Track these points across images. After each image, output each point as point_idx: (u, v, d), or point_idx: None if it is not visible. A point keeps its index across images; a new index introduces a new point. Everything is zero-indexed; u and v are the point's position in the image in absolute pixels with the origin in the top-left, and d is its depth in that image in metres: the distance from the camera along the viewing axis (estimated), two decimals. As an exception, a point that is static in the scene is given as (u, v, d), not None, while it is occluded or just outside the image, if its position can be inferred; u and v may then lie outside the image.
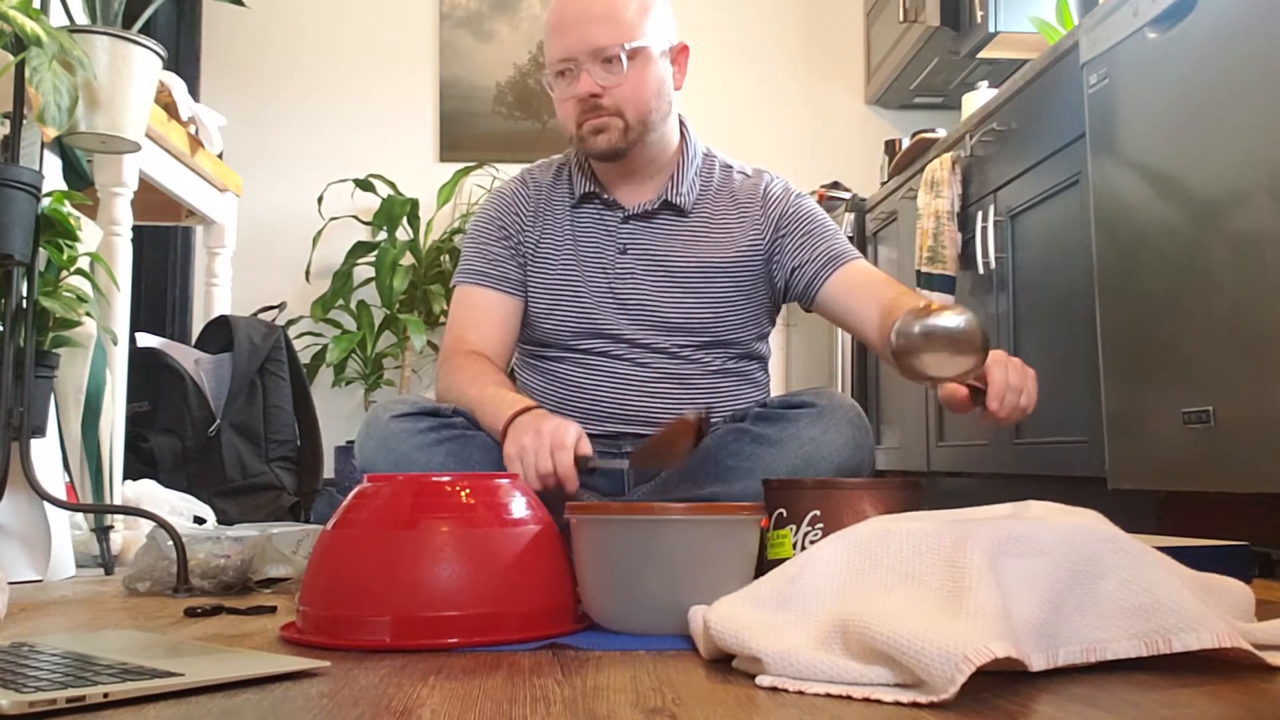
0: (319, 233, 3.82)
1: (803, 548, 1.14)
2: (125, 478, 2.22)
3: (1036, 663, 0.84)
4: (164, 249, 3.79)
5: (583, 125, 1.53)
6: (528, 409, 1.38)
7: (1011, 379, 1.21)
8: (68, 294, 1.87)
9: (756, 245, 1.61)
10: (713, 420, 1.41)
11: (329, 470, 3.35)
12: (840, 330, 3.38)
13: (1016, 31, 3.05)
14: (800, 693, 0.81)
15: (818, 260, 1.58)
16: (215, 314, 3.11)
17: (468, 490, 1.13)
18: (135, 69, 1.97)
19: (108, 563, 1.95)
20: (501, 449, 1.37)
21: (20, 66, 1.75)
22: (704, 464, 1.51)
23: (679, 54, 1.59)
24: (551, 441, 1.30)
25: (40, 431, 1.83)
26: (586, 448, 1.33)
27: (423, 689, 0.86)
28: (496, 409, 1.42)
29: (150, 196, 2.60)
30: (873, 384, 3.39)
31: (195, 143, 2.71)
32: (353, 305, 3.81)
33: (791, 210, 1.62)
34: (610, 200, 1.61)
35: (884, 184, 3.44)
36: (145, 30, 2.02)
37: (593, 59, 1.50)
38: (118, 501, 2.08)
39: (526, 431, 1.33)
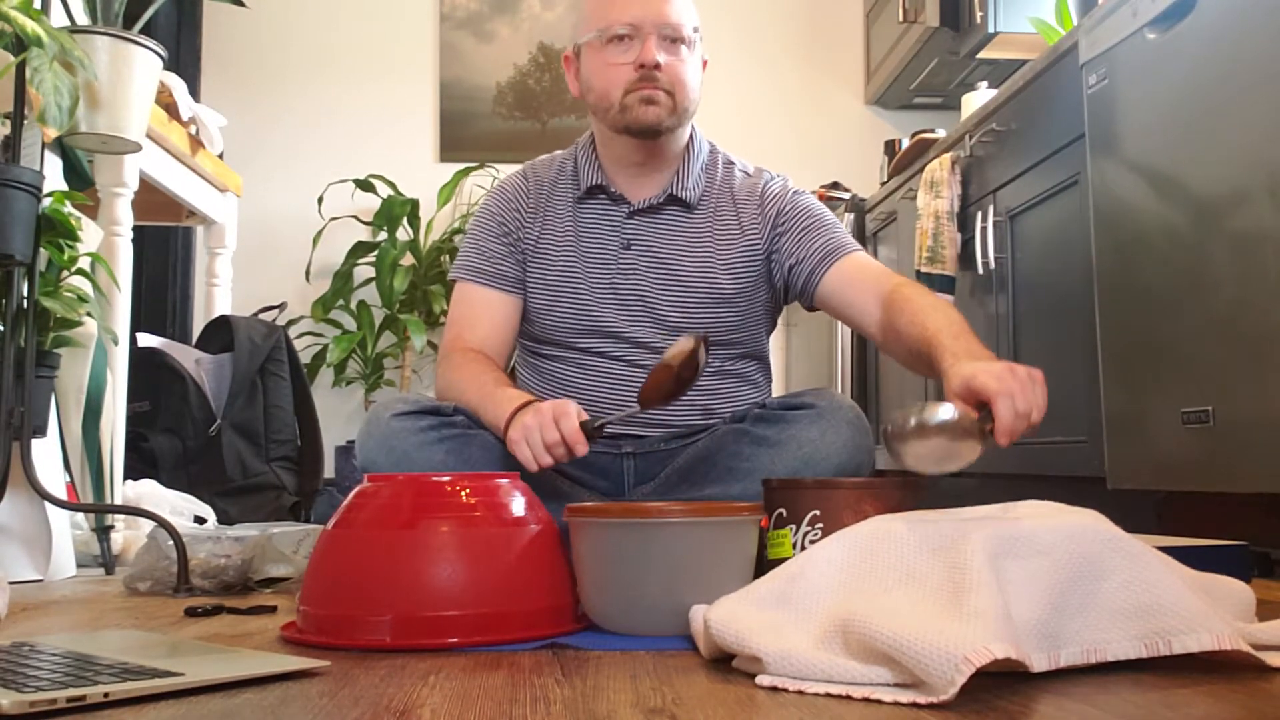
0: (319, 233, 3.82)
1: (802, 547, 1.14)
2: (126, 477, 2.22)
3: (1037, 663, 0.84)
4: (164, 249, 3.79)
5: (631, 93, 1.51)
6: (528, 403, 1.39)
7: (1019, 406, 1.10)
8: (68, 294, 1.87)
9: (756, 244, 1.61)
10: (710, 342, 1.40)
11: (329, 470, 3.35)
12: (840, 331, 3.39)
13: (1016, 32, 3.05)
14: (800, 692, 0.81)
15: (814, 255, 1.58)
16: (216, 314, 3.12)
17: (468, 490, 1.13)
18: (136, 69, 1.97)
19: (108, 562, 1.95)
20: (504, 443, 1.38)
21: (21, 67, 1.75)
22: (704, 464, 1.51)
23: (703, 60, 1.60)
24: (554, 413, 1.32)
25: (41, 431, 1.83)
26: (585, 418, 1.34)
27: (423, 689, 0.86)
28: (497, 406, 1.42)
29: (151, 197, 2.60)
30: (872, 384, 3.39)
31: (196, 143, 2.71)
32: (353, 305, 3.81)
33: (789, 207, 1.62)
34: (616, 194, 1.61)
35: (884, 184, 3.44)
36: (145, 30, 2.02)
37: (659, 32, 1.50)
38: (118, 501, 2.08)
39: (527, 414, 1.34)
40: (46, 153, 1.98)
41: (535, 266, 1.61)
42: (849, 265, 1.56)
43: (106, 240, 2.11)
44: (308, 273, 3.85)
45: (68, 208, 1.88)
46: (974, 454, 1.10)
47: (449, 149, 4.05)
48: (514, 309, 1.63)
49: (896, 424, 1.12)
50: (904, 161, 3.25)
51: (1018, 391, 1.11)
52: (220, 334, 2.93)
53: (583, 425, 1.31)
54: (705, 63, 1.60)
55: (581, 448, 1.31)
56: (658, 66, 1.50)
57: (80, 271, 1.93)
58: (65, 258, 1.86)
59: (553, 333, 1.61)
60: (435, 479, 1.17)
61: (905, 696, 0.78)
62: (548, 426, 1.31)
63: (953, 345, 1.26)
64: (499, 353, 1.61)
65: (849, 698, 0.79)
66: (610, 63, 1.53)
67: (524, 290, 1.62)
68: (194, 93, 3.26)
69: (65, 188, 2.07)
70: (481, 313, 1.61)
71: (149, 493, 2.23)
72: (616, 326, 1.58)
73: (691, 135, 1.64)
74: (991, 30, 3.07)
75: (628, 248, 1.59)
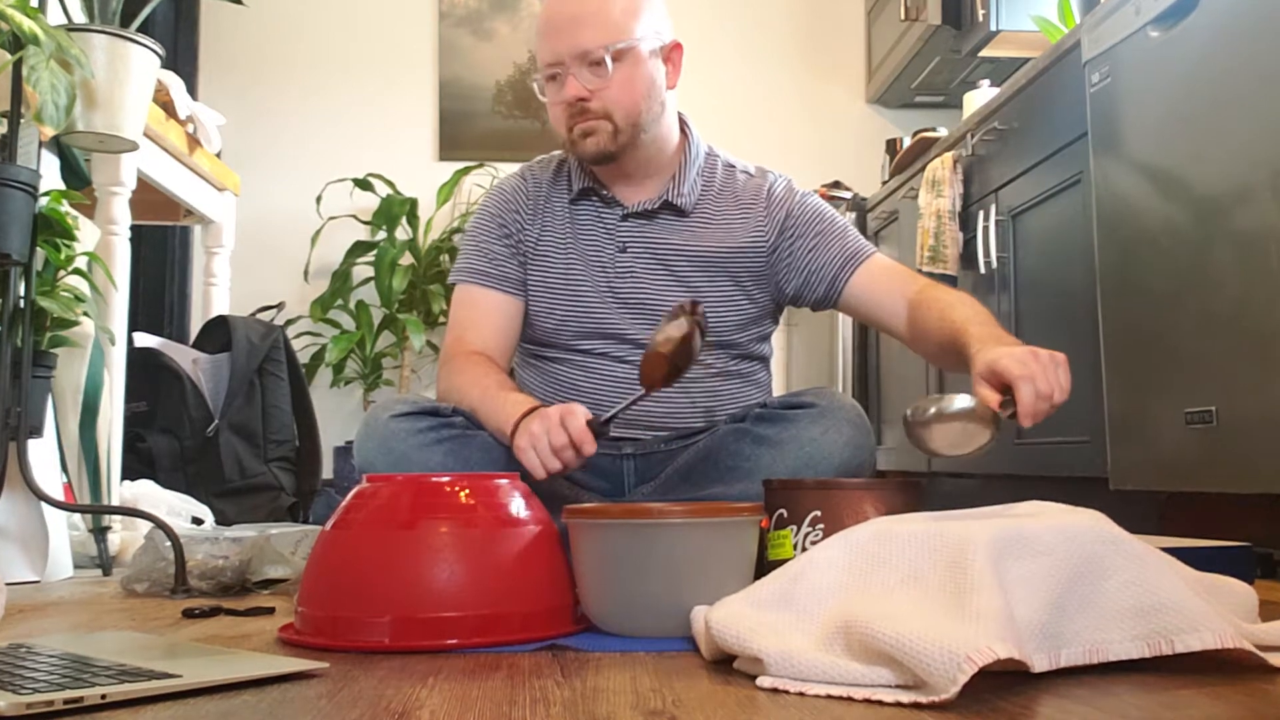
0: (318, 232, 3.81)
1: (803, 548, 1.14)
2: (123, 478, 2.21)
3: (1039, 664, 0.83)
4: (162, 248, 3.78)
5: (572, 129, 1.52)
6: (533, 409, 1.38)
7: (1040, 388, 1.19)
8: (65, 294, 1.87)
9: (759, 245, 1.59)
10: (707, 331, 1.41)
11: (328, 470, 3.35)
12: (840, 330, 3.39)
13: (1018, 30, 3.05)
14: (801, 694, 0.81)
15: (835, 261, 1.57)
16: (213, 314, 3.11)
17: (467, 490, 1.13)
18: (133, 68, 1.97)
19: (105, 563, 1.94)
20: (509, 449, 1.37)
21: (18, 65, 1.75)
22: (705, 464, 1.50)
23: (671, 52, 1.55)
24: (560, 415, 1.31)
25: (38, 432, 1.83)
26: (591, 417, 1.34)
27: (422, 690, 0.85)
28: (501, 411, 1.41)
29: (148, 196, 2.59)
30: (873, 384, 3.39)
31: (193, 142, 2.70)
32: (352, 305, 3.81)
33: (798, 211, 1.60)
34: (609, 197, 1.60)
35: (885, 183, 3.43)
36: (143, 29, 2.01)
37: (579, 62, 1.48)
38: (115, 502, 2.07)
39: (533, 422, 1.34)
40: (43, 151, 1.98)
41: (535, 268, 1.61)
42: (874, 268, 1.58)
43: (104, 239, 2.11)
44: (306, 272, 3.85)
45: (65, 207, 1.87)
46: (986, 438, 1.24)
47: (448, 148, 4.04)
48: (516, 311, 1.62)
49: (918, 410, 1.29)
50: (905, 160, 3.25)
51: (1039, 375, 1.20)
52: (218, 334, 2.92)
53: (589, 424, 1.31)
54: (678, 45, 1.56)
55: (589, 446, 1.31)
56: (582, 100, 1.49)
57: (77, 271, 1.92)
58: (62, 257, 1.86)
59: (554, 335, 1.60)
60: (434, 479, 1.16)
61: (907, 697, 0.77)
62: (555, 430, 1.30)
63: (979, 332, 1.33)
64: (502, 355, 1.60)
65: (850, 699, 0.79)
66: (551, 103, 1.55)
67: (525, 292, 1.62)
68: (192, 91, 3.25)
69: (62, 187, 2.07)
70: (484, 315, 1.60)
71: (146, 493, 2.22)
72: (618, 328, 1.57)
73: (687, 138, 1.62)
74: (993, 28, 3.06)
75: (623, 250, 1.58)
